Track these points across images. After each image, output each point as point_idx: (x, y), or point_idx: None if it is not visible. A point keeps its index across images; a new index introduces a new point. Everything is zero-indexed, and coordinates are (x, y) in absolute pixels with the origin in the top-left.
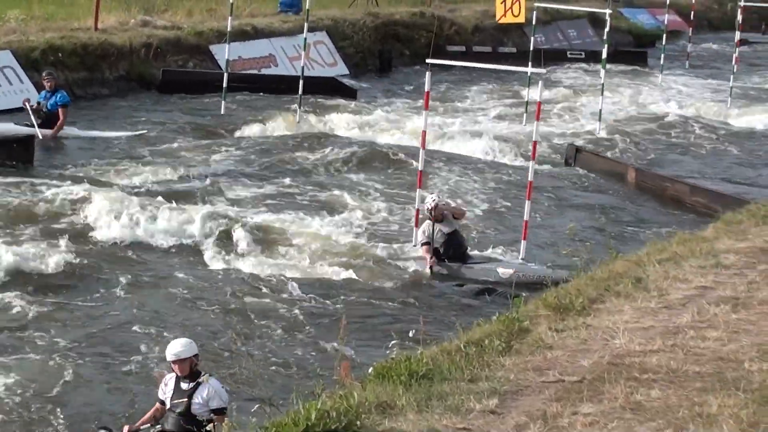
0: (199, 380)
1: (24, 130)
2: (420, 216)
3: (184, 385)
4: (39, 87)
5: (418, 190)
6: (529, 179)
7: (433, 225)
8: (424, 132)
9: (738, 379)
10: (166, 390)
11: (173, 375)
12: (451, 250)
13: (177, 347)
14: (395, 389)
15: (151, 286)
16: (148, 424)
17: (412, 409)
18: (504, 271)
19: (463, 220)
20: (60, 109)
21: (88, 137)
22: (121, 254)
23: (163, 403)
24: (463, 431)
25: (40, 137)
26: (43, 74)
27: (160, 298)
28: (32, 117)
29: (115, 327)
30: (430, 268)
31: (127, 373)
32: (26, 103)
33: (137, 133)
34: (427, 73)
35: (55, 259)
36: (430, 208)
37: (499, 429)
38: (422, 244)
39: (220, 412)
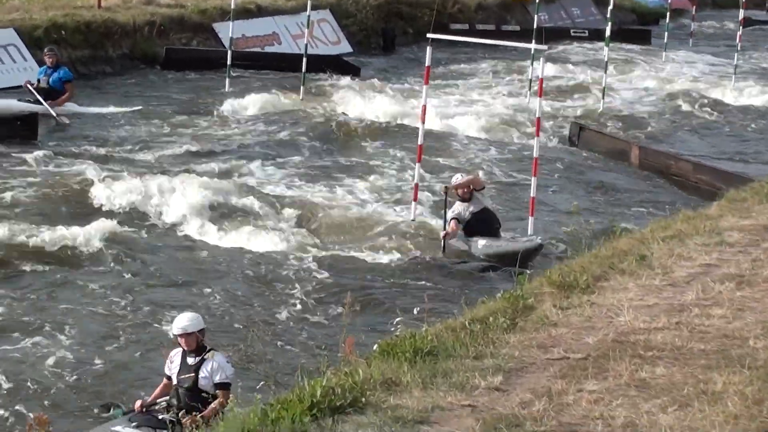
0: (205, 355)
1: (28, 107)
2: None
3: (191, 360)
4: (42, 65)
5: (417, 164)
6: (535, 155)
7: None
8: (424, 107)
9: (743, 357)
10: (171, 366)
11: (179, 350)
12: (480, 226)
13: (183, 321)
14: (400, 366)
15: (156, 262)
16: (159, 400)
17: (417, 386)
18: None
19: (484, 192)
20: (66, 85)
21: (88, 114)
22: (125, 231)
23: (169, 378)
24: (468, 408)
25: (55, 114)
26: (45, 50)
27: (166, 275)
28: (38, 96)
29: (120, 304)
30: (444, 237)
31: (136, 350)
32: (28, 85)
33: (134, 108)
34: (428, 47)
35: (59, 236)
36: (450, 188)
37: (504, 406)
38: (450, 220)
39: (224, 386)
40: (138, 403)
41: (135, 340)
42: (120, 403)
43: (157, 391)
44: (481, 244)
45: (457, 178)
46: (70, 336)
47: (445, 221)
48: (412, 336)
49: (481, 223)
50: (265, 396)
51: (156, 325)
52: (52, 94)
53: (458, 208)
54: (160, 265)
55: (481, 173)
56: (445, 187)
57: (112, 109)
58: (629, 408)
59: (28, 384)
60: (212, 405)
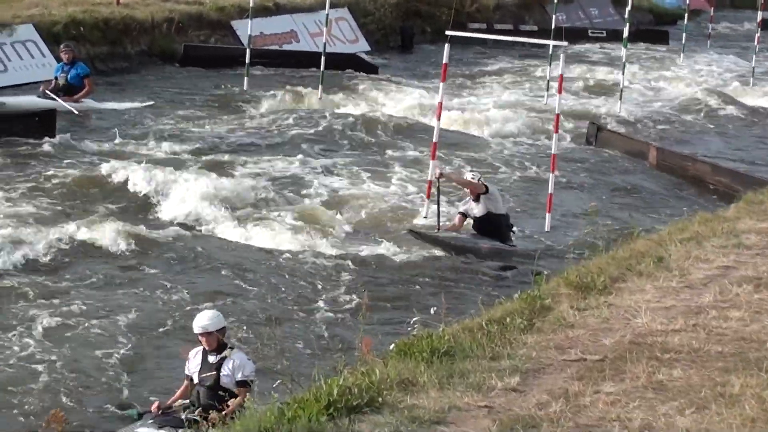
0: (226, 353)
1: (47, 103)
2: (433, 189)
3: (212, 358)
4: (59, 61)
5: (431, 162)
6: (553, 152)
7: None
8: (440, 104)
9: (760, 360)
10: (191, 365)
11: (199, 349)
12: (484, 228)
13: (204, 320)
14: (417, 366)
15: (171, 260)
16: (179, 402)
17: (434, 386)
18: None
19: (473, 195)
20: (85, 80)
21: (105, 109)
22: (143, 228)
23: (191, 379)
24: (485, 409)
25: (76, 112)
26: (61, 46)
27: (183, 272)
28: (57, 99)
29: (139, 302)
30: (437, 230)
31: (158, 347)
32: (46, 90)
33: (149, 103)
34: (446, 44)
35: (77, 233)
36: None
37: (520, 407)
38: (457, 213)
39: (245, 384)
40: (155, 405)
41: (156, 337)
42: (135, 404)
43: (178, 393)
44: (475, 242)
45: (467, 175)
46: (92, 333)
47: (438, 210)
48: (429, 336)
49: (486, 225)
50: (281, 395)
51: (174, 323)
52: (71, 90)
53: (468, 205)
54: (176, 262)
55: (495, 172)
56: (440, 173)
57: (127, 104)
58: (646, 410)
59: (47, 380)
60: (234, 402)
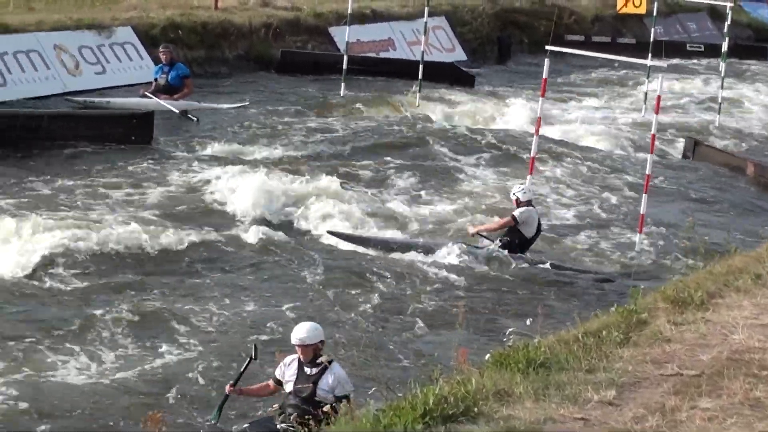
0: (323, 366)
1: (150, 102)
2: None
3: (308, 370)
4: (157, 63)
5: (529, 176)
6: (647, 172)
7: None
8: (539, 118)
9: None
10: (286, 372)
11: (295, 357)
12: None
13: (302, 332)
14: (513, 377)
15: (270, 266)
16: (252, 396)
17: (530, 398)
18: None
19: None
20: (185, 81)
21: (202, 108)
22: (244, 233)
23: (278, 382)
24: (581, 421)
25: (176, 111)
26: (160, 47)
27: (280, 278)
28: (158, 100)
29: (235, 307)
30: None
31: (233, 351)
32: (146, 92)
33: (244, 103)
34: (546, 59)
35: (179, 238)
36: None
37: (616, 421)
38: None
39: (345, 399)
40: (229, 386)
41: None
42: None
43: (257, 387)
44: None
45: (518, 188)
46: (189, 335)
47: None
48: (525, 347)
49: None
50: (376, 402)
51: (271, 329)
52: (171, 91)
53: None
54: (274, 268)
55: (587, 188)
56: (474, 233)
57: (225, 104)
58: (743, 427)
59: (144, 381)
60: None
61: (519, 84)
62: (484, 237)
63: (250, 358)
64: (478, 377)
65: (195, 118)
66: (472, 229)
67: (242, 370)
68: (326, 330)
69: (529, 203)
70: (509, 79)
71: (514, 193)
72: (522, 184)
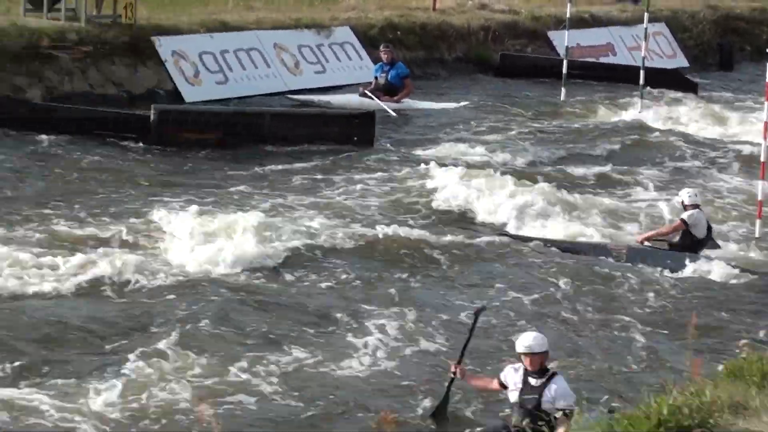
0: (549, 377)
1: (369, 103)
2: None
3: (533, 381)
4: (376, 62)
5: (761, 181)
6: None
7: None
8: (766, 123)
9: None
10: (513, 379)
11: (521, 366)
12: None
13: (529, 340)
14: (748, 390)
15: (484, 270)
16: (474, 386)
17: (767, 412)
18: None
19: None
20: (405, 80)
21: (421, 109)
22: (460, 235)
23: (503, 385)
24: None
25: (393, 114)
26: (381, 47)
27: (494, 283)
28: (377, 100)
29: (453, 310)
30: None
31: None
32: (366, 91)
33: (464, 103)
34: (767, 64)
35: (437, 239)
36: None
37: None
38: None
39: (566, 414)
40: (453, 365)
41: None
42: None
43: (481, 380)
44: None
45: (685, 193)
46: (381, 337)
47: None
48: (760, 359)
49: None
50: (604, 411)
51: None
52: (391, 90)
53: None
54: (492, 272)
55: None
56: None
57: (444, 104)
58: None
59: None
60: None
61: (743, 92)
62: (653, 242)
63: (470, 333)
64: (713, 389)
65: (393, 113)
66: (639, 238)
67: (465, 343)
68: (552, 342)
69: (695, 206)
70: (733, 87)
71: (681, 199)
72: (689, 189)
